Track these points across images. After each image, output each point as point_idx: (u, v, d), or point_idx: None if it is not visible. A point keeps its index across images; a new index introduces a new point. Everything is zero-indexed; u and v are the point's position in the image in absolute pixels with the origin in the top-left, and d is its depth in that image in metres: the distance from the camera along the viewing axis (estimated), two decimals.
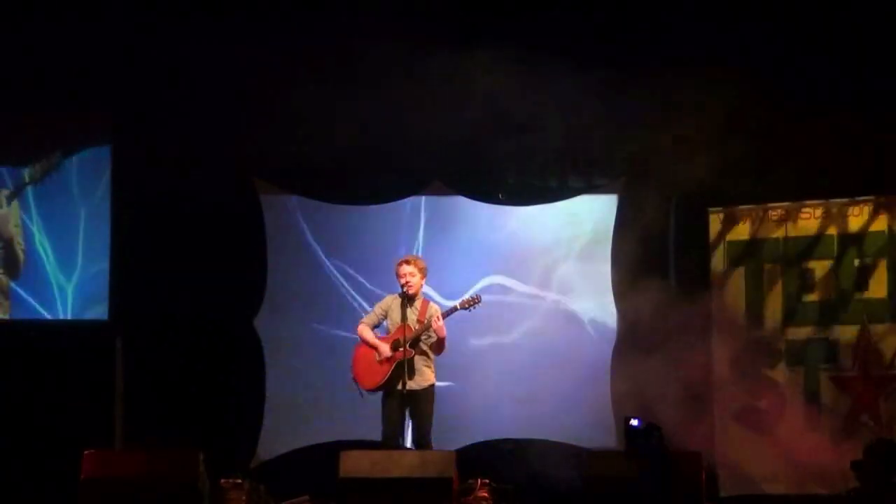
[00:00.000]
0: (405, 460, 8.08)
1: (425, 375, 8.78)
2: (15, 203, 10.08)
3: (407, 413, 8.74)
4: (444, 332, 8.74)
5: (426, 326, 8.72)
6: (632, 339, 9.85)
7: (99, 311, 10.16)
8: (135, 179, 10.09)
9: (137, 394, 10.07)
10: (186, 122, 9.84)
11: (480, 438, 10.12)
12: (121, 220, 10.18)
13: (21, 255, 10.09)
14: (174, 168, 9.75)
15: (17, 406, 9.98)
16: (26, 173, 10.02)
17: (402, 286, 8.78)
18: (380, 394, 8.79)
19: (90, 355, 10.10)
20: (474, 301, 8.85)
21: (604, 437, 9.92)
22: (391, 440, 8.72)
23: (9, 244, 10.10)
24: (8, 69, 9.90)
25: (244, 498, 8.78)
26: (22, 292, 10.14)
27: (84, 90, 10.04)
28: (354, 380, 8.85)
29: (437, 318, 8.70)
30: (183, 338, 10.07)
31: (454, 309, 8.81)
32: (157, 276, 10.09)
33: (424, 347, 8.80)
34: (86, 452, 7.95)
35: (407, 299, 8.73)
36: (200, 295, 10.06)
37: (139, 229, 10.15)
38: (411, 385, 8.67)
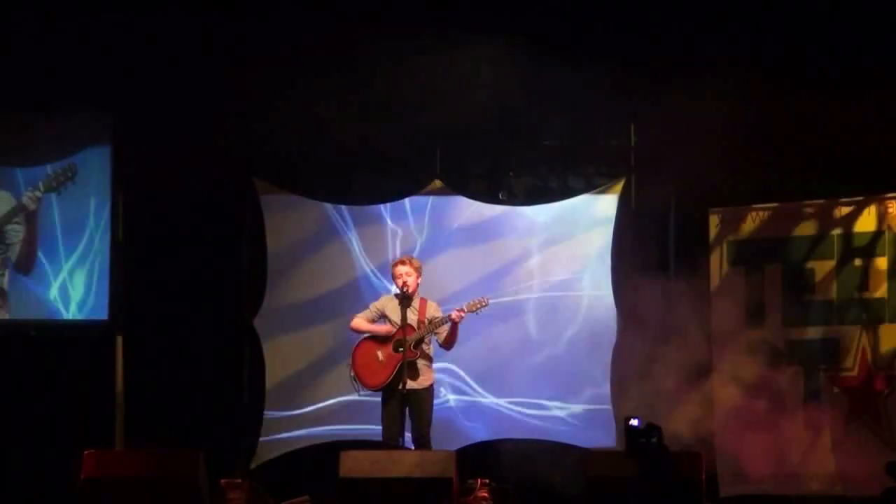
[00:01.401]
0: (405, 460, 8.08)
1: (426, 376, 8.81)
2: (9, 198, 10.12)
3: (406, 413, 8.74)
4: (456, 336, 8.82)
5: (437, 324, 8.74)
6: (632, 338, 9.85)
7: (99, 311, 10.16)
8: (135, 179, 10.08)
9: (137, 394, 10.06)
10: (186, 121, 9.84)
11: (480, 438, 10.13)
12: (121, 219, 10.18)
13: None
14: (174, 168, 9.74)
15: (18, 406, 9.97)
16: (41, 183, 10.04)
17: (401, 287, 8.80)
18: (374, 391, 8.81)
19: (90, 355, 10.10)
20: (481, 304, 8.84)
21: (604, 437, 9.93)
22: (393, 440, 8.72)
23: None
24: (8, 69, 9.89)
25: (244, 498, 8.79)
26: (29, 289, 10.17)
27: (84, 90, 10.04)
28: (355, 378, 8.86)
29: (459, 314, 8.71)
30: (183, 338, 10.07)
31: (459, 317, 8.78)
32: (156, 275, 10.09)
33: (426, 349, 8.83)
34: (86, 452, 7.95)
35: (405, 299, 8.75)
36: (200, 295, 10.06)
37: (139, 229, 10.15)
38: (413, 385, 8.70)
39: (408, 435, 8.92)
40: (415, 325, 8.80)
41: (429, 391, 8.81)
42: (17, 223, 10.12)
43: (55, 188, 9.98)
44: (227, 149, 9.84)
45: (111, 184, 10.19)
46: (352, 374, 8.89)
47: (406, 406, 8.72)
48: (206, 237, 10.15)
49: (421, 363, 8.79)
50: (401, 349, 8.70)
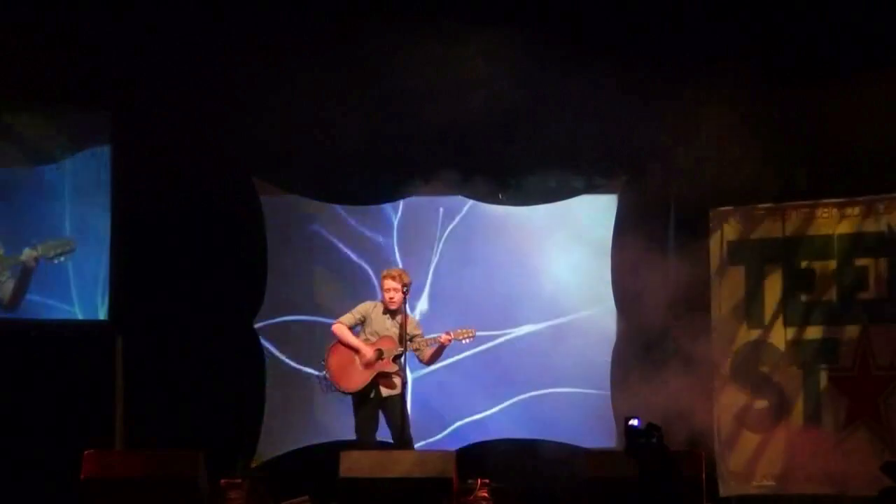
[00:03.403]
0: (405, 460, 8.10)
1: (397, 383, 8.83)
2: None
3: (381, 416, 8.80)
4: (439, 357, 8.94)
5: (422, 345, 8.79)
6: (632, 338, 9.86)
7: (99, 312, 10.16)
8: (135, 179, 10.08)
9: (137, 394, 10.07)
10: (186, 121, 9.83)
11: (480, 438, 10.13)
12: (121, 219, 10.18)
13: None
14: (174, 168, 9.75)
15: (18, 406, 9.97)
16: (40, 247, 10.00)
17: (387, 301, 8.83)
18: (345, 395, 8.84)
19: (90, 355, 10.10)
20: (467, 334, 8.86)
21: (604, 437, 9.93)
22: (367, 441, 8.74)
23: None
24: (7, 69, 9.89)
25: (244, 498, 8.80)
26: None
27: (84, 90, 10.03)
28: (327, 378, 8.86)
29: (448, 338, 8.77)
30: (183, 338, 10.07)
31: (447, 341, 8.79)
32: (157, 276, 10.09)
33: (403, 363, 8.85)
34: (86, 452, 7.97)
35: (389, 312, 8.79)
36: (200, 295, 10.06)
37: (139, 229, 10.15)
38: (388, 392, 8.77)
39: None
40: (395, 337, 8.79)
41: (400, 396, 8.86)
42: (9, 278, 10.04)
43: (51, 258, 9.96)
44: (227, 149, 9.85)
45: (111, 184, 10.19)
46: (324, 373, 8.88)
47: (380, 410, 8.77)
48: (206, 237, 10.15)
49: (394, 373, 8.82)
50: (382, 359, 8.71)
